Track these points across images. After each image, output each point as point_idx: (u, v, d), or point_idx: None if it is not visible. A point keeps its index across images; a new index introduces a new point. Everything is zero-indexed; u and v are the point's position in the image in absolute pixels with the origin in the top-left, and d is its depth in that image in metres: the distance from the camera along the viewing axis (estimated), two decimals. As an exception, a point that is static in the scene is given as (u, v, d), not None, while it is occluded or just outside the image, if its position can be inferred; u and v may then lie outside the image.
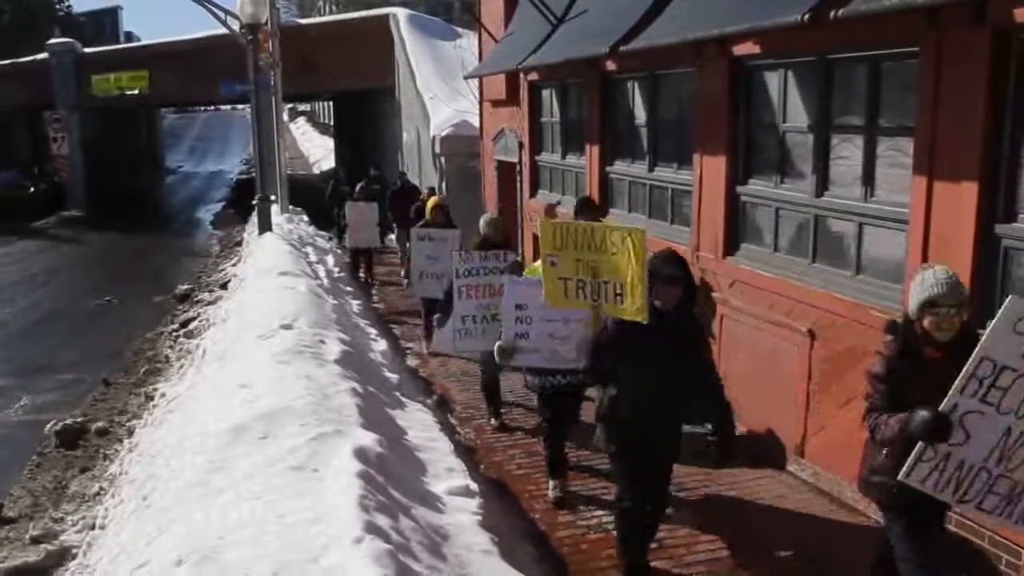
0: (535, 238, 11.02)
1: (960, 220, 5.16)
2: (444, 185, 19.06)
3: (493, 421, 8.23)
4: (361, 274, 16.75)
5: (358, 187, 17.03)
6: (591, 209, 8.50)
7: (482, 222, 8.48)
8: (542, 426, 6.75)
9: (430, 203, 11.14)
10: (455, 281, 7.75)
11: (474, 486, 5.64)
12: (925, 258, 5.43)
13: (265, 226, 16.62)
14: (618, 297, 5.26)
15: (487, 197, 15.55)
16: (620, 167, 10.17)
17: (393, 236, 17.74)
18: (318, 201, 22.40)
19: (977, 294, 5.09)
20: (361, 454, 4.95)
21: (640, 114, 9.69)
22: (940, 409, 3.54)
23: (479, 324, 7.71)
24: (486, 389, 8.30)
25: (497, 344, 6.39)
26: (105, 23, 73.48)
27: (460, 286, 7.72)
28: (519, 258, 7.75)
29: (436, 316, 8.50)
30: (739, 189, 7.66)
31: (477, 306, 7.72)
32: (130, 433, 8.61)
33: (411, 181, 18.38)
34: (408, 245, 13.25)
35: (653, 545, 5.58)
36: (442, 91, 20.82)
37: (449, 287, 7.96)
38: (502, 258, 7.78)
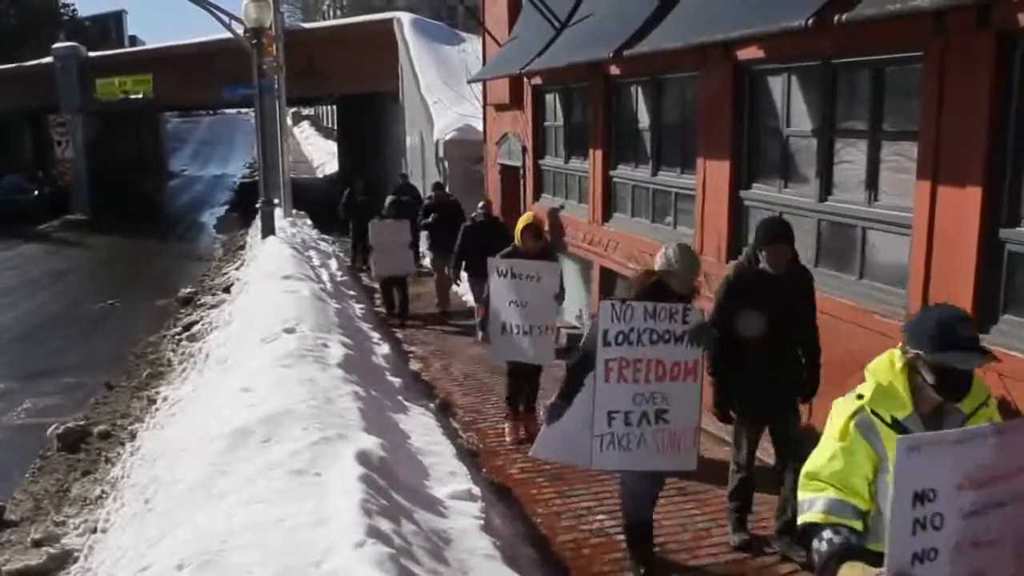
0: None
1: (964, 224, 5.15)
2: (447, 189, 19.06)
3: None
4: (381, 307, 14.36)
5: (388, 200, 13.68)
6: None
7: (669, 255, 5.05)
8: None
9: (520, 223, 7.71)
10: (600, 352, 4.82)
11: (476, 490, 5.63)
12: (928, 262, 5.42)
13: (268, 230, 16.64)
14: None
15: (491, 201, 15.52)
16: (624, 171, 10.17)
17: (426, 260, 15.11)
18: (322, 205, 22.21)
19: (980, 298, 5.09)
20: (363, 458, 4.94)
21: (644, 118, 9.69)
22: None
23: (636, 427, 4.92)
24: (630, 531, 5.29)
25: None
26: (109, 27, 73.83)
27: (608, 359, 4.84)
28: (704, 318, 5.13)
29: (548, 404, 5.36)
30: (743, 193, 7.65)
31: (634, 395, 4.91)
32: (132, 436, 8.61)
33: (447, 193, 14.61)
34: (442, 269, 12.40)
35: (656, 550, 5.57)
36: (446, 95, 20.82)
37: (582, 357, 5.04)
38: (680, 316, 4.88)
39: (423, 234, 13.97)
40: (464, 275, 11.28)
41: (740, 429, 5.47)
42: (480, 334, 7.97)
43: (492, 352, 8.03)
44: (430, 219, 13.42)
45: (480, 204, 11.56)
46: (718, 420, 5.63)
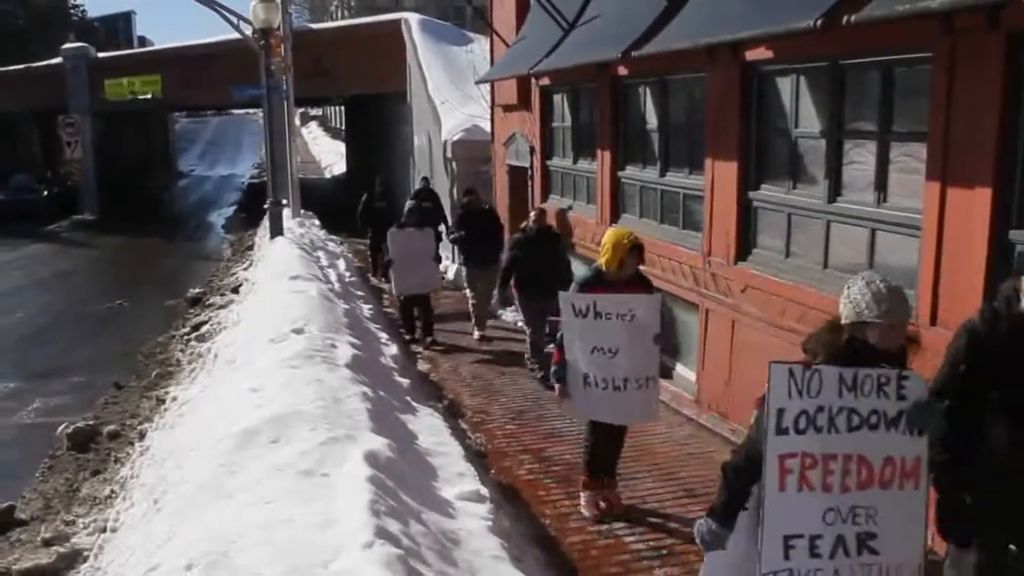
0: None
1: (973, 226, 5.13)
2: (455, 190, 19.06)
3: None
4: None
5: (407, 207, 12.65)
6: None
7: (858, 296, 3.59)
8: None
9: (620, 239, 5.80)
10: (771, 444, 3.36)
11: (484, 491, 5.63)
12: (938, 264, 5.41)
13: (277, 230, 16.66)
14: None
15: (498, 202, 15.54)
16: (631, 172, 10.16)
17: (448, 271, 13.93)
18: (330, 205, 22.19)
19: (990, 300, 5.06)
20: (372, 459, 4.95)
21: (651, 119, 9.69)
22: None
23: (828, 560, 2.58)
24: None
25: None
26: (118, 28, 73.97)
27: (783, 455, 3.47)
28: None
29: (702, 527, 3.78)
30: (751, 194, 7.64)
31: (824, 511, 3.45)
32: (141, 436, 8.63)
33: (483, 200, 12.84)
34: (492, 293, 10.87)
35: (663, 552, 5.57)
36: (453, 96, 20.80)
37: (746, 456, 3.63)
38: (894, 387, 3.46)
39: (446, 246, 12.79)
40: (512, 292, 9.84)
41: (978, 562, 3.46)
42: (556, 386, 6.08)
43: (572, 409, 6.37)
44: (461, 232, 11.81)
45: (422, 179, 12.22)
46: (947, 543, 3.62)
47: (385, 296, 15.59)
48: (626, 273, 5.79)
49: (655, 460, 7.14)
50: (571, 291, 5.88)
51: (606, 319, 5.71)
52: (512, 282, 9.65)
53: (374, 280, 16.96)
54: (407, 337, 11.78)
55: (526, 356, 8.80)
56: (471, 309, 11.88)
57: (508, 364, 10.34)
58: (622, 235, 5.79)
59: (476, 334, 11.74)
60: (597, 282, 5.81)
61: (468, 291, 11.91)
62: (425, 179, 16.75)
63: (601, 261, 5.81)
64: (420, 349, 11.39)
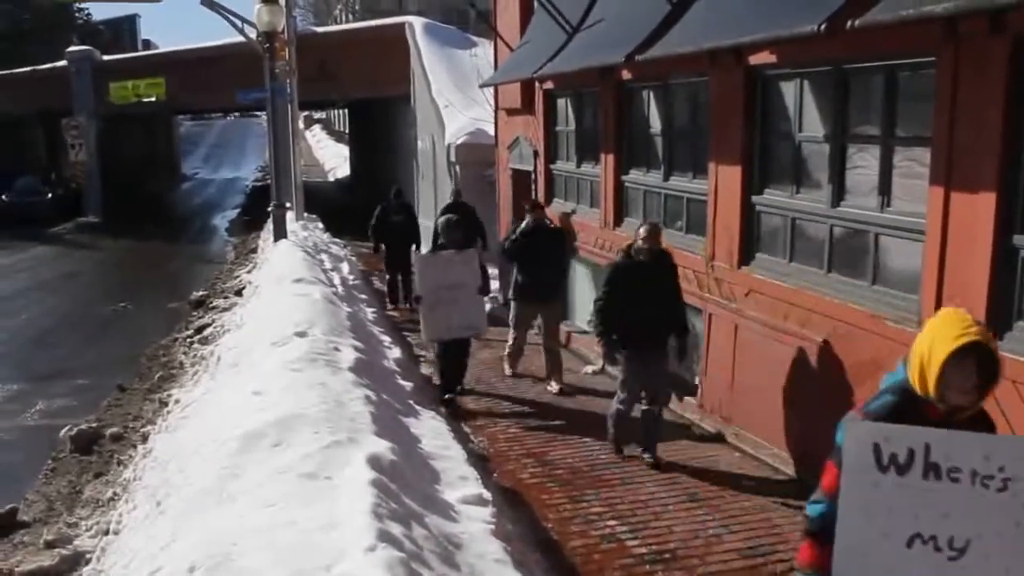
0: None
1: (977, 230, 5.13)
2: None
3: None
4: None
5: (441, 223, 9.69)
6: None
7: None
8: None
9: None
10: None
11: (487, 495, 5.62)
12: (942, 269, 5.40)
13: (280, 233, 16.66)
14: None
15: (502, 206, 15.55)
16: (635, 176, 10.16)
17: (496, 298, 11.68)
18: (333, 208, 22.15)
19: (994, 306, 5.06)
20: (375, 462, 4.94)
21: (655, 123, 9.69)
22: None
23: None
24: None
25: None
26: (123, 31, 74.20)
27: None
28: None
29: None
30: (754, 199, 7.64)
31: None
32: (144, 439, 8.62)
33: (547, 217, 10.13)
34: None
35: (666, 556, 5.57)
36: (457, 99, 20.83)
37: None
38: None
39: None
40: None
41: None
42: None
43: None
44: (522, 253, 9.29)
45: (454, 191, 10.36)
46: None
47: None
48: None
49: (658, 464, 7.14)
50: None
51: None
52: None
53: (393, 313, 14.29)
54: (445, 395, 9.09)
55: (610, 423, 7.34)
56: (508, 347, 9.99)
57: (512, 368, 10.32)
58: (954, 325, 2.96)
59: (507, 370, 10.10)
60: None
61: (512, 331, 9.81)
62: (458, 191, 14.24)
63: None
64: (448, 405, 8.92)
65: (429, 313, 8.78)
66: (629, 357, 7.06)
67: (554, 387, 9.41)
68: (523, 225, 9.39)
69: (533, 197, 11.33)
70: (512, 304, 9.72)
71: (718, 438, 7.89)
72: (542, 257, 9.20)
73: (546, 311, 9.50)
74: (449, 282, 8.69)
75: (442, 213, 11.55)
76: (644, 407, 7.17)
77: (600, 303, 7.10)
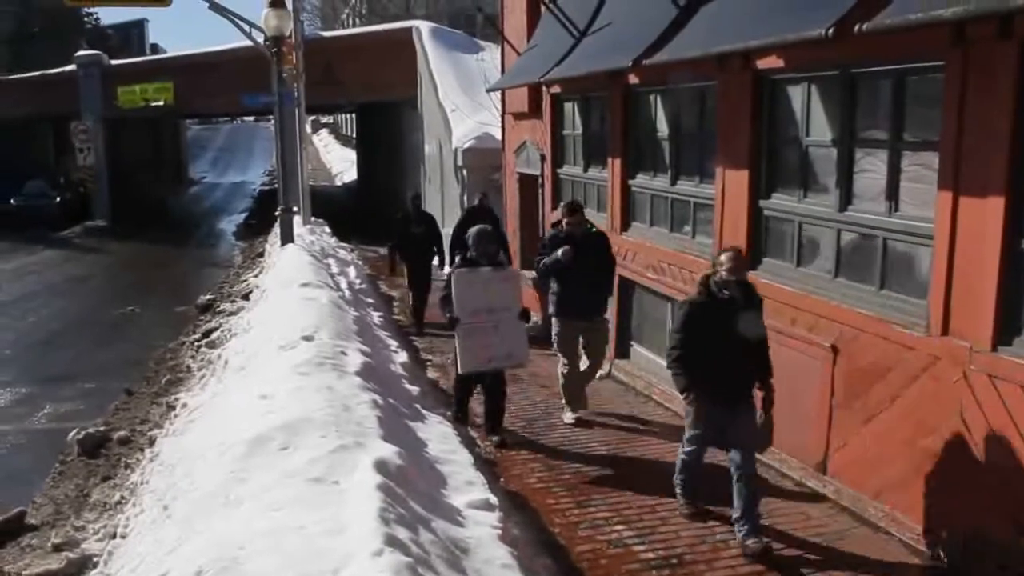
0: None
1: (986, 235, 5.11)
2: (466, 198, 19.08)
3: None
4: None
5: (473, 236, 7.90)
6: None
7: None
8: None
9: None
10: None
11: (494, 499, 5.62)
12: (950, 273, 5.38)
13: (287, 237, 16.69)
14: None
15: (508, 210, 15.55)
16: (642, 180, 10.16)
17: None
18: (340, 213, 22.14)
19: (1003, 310, 5.05)
20: (381, 466, 4.94)
21: (662, 127, 9.68)
22: None
23: None
24: None
25: None
26: (131, 35, 74.57)
27: None
28: None
29: None
30: (762, 203, 7.63)
31: None
32: (151, 442, 8.64)
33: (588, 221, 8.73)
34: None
35: (673, 561, 5.55)
36: (464, 104, 20.86)
37: None
38: None
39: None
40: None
41: None
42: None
43: None
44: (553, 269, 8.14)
45: (479, 196, 9.86)
46: None
47: (395, 303, 15.61)
48: None
49: (664, 470, 7.11)
50: None
51: None
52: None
53: (416, 340, 12.64)
54: (464, 427, 8.13)
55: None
56: (562, 381, 8.49)
57: (515, 373, 10.31)
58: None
59: (569, 416, 8.47)
60: None
61: (561, 357, 8.40)
62: (484, 194, 13.23)
63: None
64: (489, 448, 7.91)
65: (466, 340, 7.61)
66: (710, 414, 5.87)
67: (569, 417, 8.45)
68: (561, 233, 8.27)
69: (572, 199, 10.12)
70: (553, 322, 8.44)
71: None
72: (586, 267, 8.06)
73: (590, 333, 8.38)
74: (489, 305, 7.63)
75: (465, 219, 10.51)
76: (735, 479, 5.75)
77: (676, 351, 5.87)
